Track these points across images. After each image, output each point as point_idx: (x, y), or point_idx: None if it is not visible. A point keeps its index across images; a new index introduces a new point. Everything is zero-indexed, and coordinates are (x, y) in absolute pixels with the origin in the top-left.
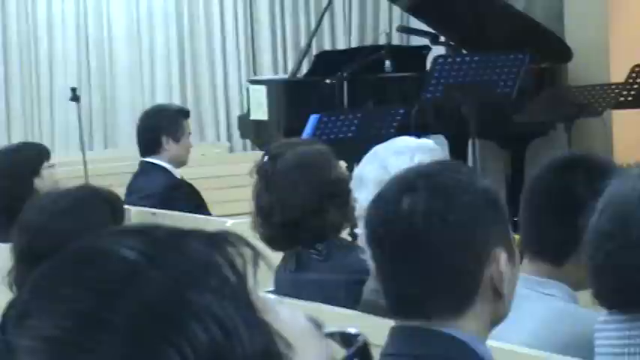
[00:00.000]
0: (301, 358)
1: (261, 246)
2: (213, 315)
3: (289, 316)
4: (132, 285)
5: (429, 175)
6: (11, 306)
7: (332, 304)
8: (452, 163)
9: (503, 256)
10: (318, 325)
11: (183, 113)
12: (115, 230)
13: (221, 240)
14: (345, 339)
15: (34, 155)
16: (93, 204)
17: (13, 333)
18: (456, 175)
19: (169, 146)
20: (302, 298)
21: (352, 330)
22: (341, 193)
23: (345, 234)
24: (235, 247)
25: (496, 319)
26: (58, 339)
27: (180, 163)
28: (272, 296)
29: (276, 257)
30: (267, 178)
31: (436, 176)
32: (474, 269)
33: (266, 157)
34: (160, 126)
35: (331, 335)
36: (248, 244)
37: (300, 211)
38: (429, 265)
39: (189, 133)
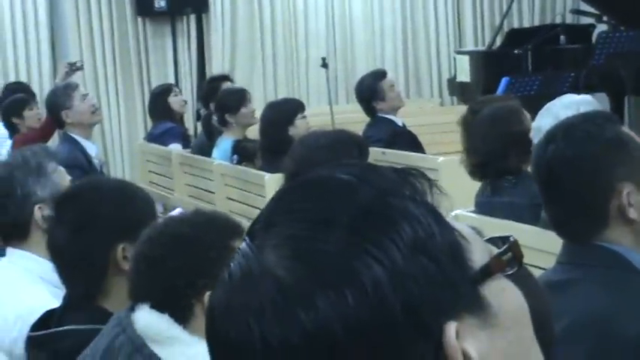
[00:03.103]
0: (473, 241)
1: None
2: (414, 215)
3: (455, 221)
4: (350, 195)
5: (567, 128)
6: (254, 222)
7: (519, 222)
8: (591, 115)
9: (626, 190)
10: (478, 232)
11: (379, 76)
12: (332, 164)
13: (404, 171)
14: (500, 241)
15: (290, 108)
16: (346, 143)
17: (261, 238)
18: (588, 127)
19: (380, 105)
20: (496, 217)
21: (504, 234)
22: (522, 144)
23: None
24: (416, 177)
25: None
26: (297, 235)
27: (396, 109)
28: (473, 215)
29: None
30: (467, 128)
31: (572, 128)
32: (600, 202)
33: (469, 111)
34: (364, 95)
35: (489, 240)
36: (424, 176)
37: (485, 156)
38: (563, 199)
39: (392, 86)
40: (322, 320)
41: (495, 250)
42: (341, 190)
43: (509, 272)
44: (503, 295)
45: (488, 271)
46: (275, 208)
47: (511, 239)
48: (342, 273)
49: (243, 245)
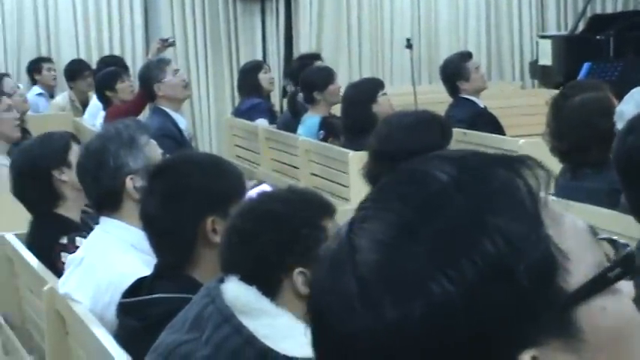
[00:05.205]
0: (580, 254)
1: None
2: (502, 234)
3: (571, 221)
4: (442, 207)
5: None
6: (358, 209)
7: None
8: None
9: None
10: (593, 230)
11: (465, 57)
12: (437, 154)
13: (521, 164)
14: (614, 245)
15: (371, 86)
16: (428, 124)
17: (356, 233)
18: None
19: (464, 85)
20: (574, 201)
21: (622, 240)
22: (606, 139)
23: None
24: (532, 170)
25: None
26: (384, 243)
27: (479, 90)
28: (553, 198)
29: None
30: (556, 112)
31: None
32: None
33: (561, 95)
34: (449, 75)
35: (603, 239)
36: (543, 167)
37: (568, 145)
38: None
39: (477, 67)
40: (387, 329)
41: (606, 258)
42: (434, 197)
43: (625, 279)
44: (604, 314)
45: (585, 294)
46: (373, 200)
47: (627, 250)
48: (415, 291)
49: (341, 231)
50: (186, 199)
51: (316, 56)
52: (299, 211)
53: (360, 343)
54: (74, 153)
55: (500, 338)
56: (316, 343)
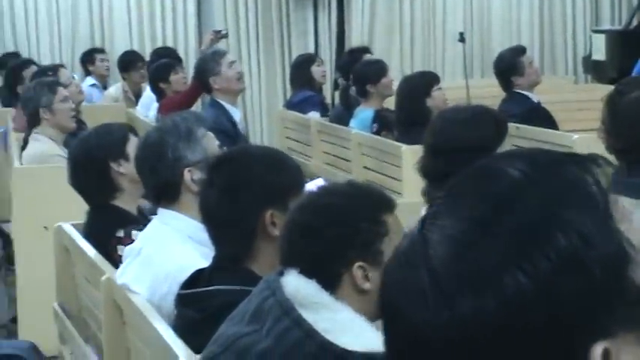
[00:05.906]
0: None
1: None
2: (574, 227)
3: None
4: (515, 201)
5: None
6: (430, 206)
7: None
8: None
9: None
10: None
11: (519, 52)
12: (507, 153)
13: (591, 162)
14: None
15: (426, 80)
16: (483, 119)
17: (428, 229)
18: None
19: (518, 80)
20: (629, 197)
21: None
22: None
23: None
24: (601, 167)
25: None
26: (456, 237)
27: (533, 85)
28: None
29: None
30: (612, 109)
31: None
32: None
33: (616, 91)
34: (503, 70)
35: None
36: (611, 164)
37: (626, 143)
38: None
39: (531, 62)
40: (460, 322)
41: None
42: (507, 192)
43: None
44: None
45: None
46: (445, 196)
47: None
48: (488, 284)
49: (414, 229)
50: (245, 192)
51: (365, 49)
52: (359, 206)
53: (432, 336)
54: (132, 145)
55: (574, 328)
56: (387, 335)
